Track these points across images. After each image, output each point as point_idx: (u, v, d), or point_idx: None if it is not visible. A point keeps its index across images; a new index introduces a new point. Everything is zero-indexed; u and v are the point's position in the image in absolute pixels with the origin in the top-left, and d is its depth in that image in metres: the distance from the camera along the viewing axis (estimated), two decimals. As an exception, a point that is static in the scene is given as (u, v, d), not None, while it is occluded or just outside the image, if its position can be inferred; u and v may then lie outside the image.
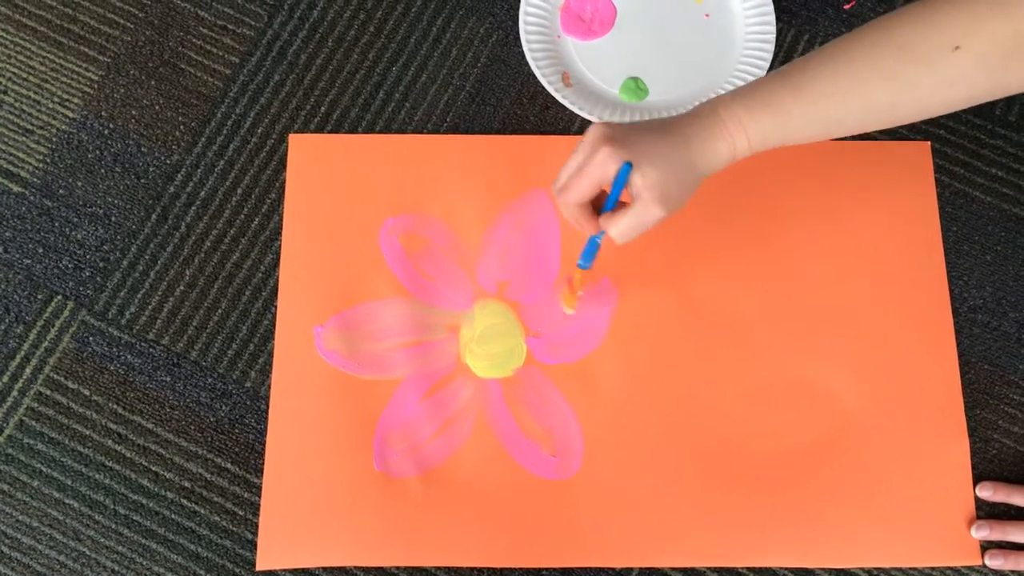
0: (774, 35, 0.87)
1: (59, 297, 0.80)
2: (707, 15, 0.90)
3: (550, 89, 0.85)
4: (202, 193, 0.83)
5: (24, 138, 0.84)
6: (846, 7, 0.90)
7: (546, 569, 0.75)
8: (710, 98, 0.68)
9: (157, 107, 0.85)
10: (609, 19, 0.89)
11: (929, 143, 0.85)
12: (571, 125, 0.86)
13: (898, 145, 0.85)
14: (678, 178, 0.65)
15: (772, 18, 0.88)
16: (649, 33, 0.89)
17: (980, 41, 0.60)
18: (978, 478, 0.77)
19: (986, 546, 0.75)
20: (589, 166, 0.65)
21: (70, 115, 0.85)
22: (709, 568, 0.75)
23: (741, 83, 0.86)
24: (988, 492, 0.76)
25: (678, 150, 0.65)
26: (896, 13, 0.64)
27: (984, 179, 0.85)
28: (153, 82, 0.86)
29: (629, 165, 0.64)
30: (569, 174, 0.67)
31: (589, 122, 0.85)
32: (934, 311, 0.81)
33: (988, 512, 0.76)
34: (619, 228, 0.66)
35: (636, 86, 0.87)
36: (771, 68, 0.87)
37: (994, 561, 0.74)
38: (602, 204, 0.68)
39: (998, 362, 0.80)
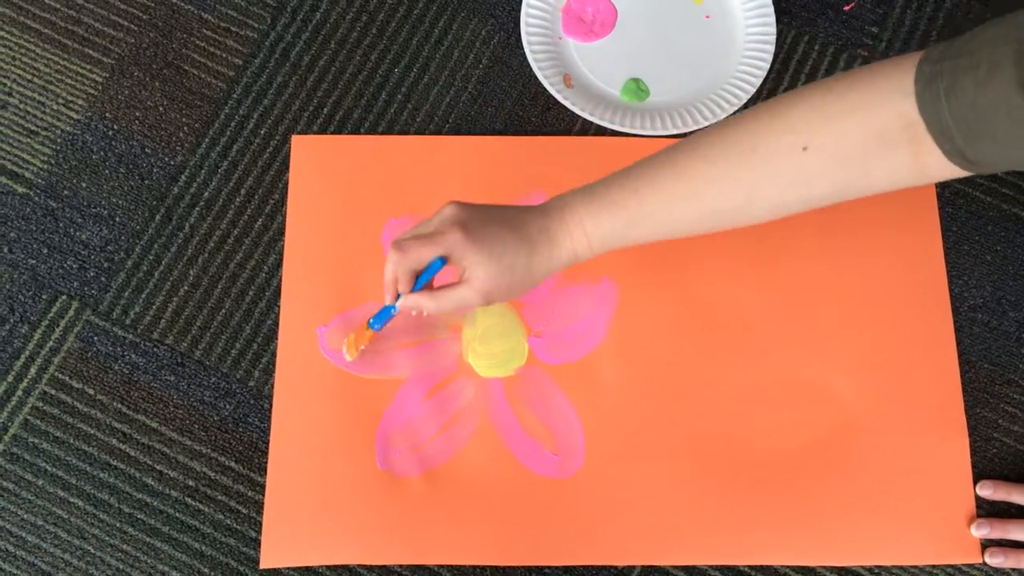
0: (774, 36, 0.88)
1: (64, 297, 0.81)
2: (708, 16, 0.90)
3: (551, 90, 0.86)
4: (206, 194, 0.84)
5: (29, 139, 0.85)
6: (846, 8, 0.90)
7: (548, 567, 0.75)
8: (556, 197, 0.67)
9: (161, 108, 0.86)
10: (610, 20, 0.90)
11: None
12: (572, 126, 0.86)
13: (898, 145, 0.85)
14: (512, 278, 0.65)
15: (772, 19, 0.88)
16: (650, 34, 0.90)
17: (831, 141, 0.58)
18: (978, 477, 0.77)
19: (986, 544, 0.75)
20: (437, 241, 0.65)
21: (74, 116, 0.85)
22: (711, 566, 0.75)
23: (742, 83, 0.86)
24: (988, 490, 0.76)
25: (523, 251, 0.65)
26: (745, 114, 0.63)
27: (984, 179, 0.85)
28: (157, 84, 0.87)
29: (442, 261, 0.65)
30: (413, 237, 0.66)
31: (590, 123, 0.86)
32: (934, 310, 0.81)
33: (988, 510, 0.76)
34: (439, 302, 0.67)
35: (637, 87, 0.87)
36: (771, 70, 0.87)
37: (994, 559, 0.74)
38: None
39: (998, 361, 0.80)
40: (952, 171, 0.57)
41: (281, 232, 0.82)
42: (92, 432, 0.77)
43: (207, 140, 0.85)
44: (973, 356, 0.80)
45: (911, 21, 0.90)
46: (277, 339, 0.79)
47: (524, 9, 0.89)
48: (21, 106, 0.86)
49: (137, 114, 0.86)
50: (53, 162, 0.84)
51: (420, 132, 0.86)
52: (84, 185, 0.84)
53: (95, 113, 0.86)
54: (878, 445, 0.77)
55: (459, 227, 0.64)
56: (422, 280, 0.67)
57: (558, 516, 0.76)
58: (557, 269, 0.67)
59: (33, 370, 0.79)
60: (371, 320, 0.73)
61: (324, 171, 0.84)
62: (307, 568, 0.74)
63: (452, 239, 0.64)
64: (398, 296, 0.69)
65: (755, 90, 0.86)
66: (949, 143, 0.55)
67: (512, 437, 0.77)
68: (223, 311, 0.81)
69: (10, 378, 0.78)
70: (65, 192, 0.83)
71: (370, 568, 0.74)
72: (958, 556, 0.75)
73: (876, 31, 0.90)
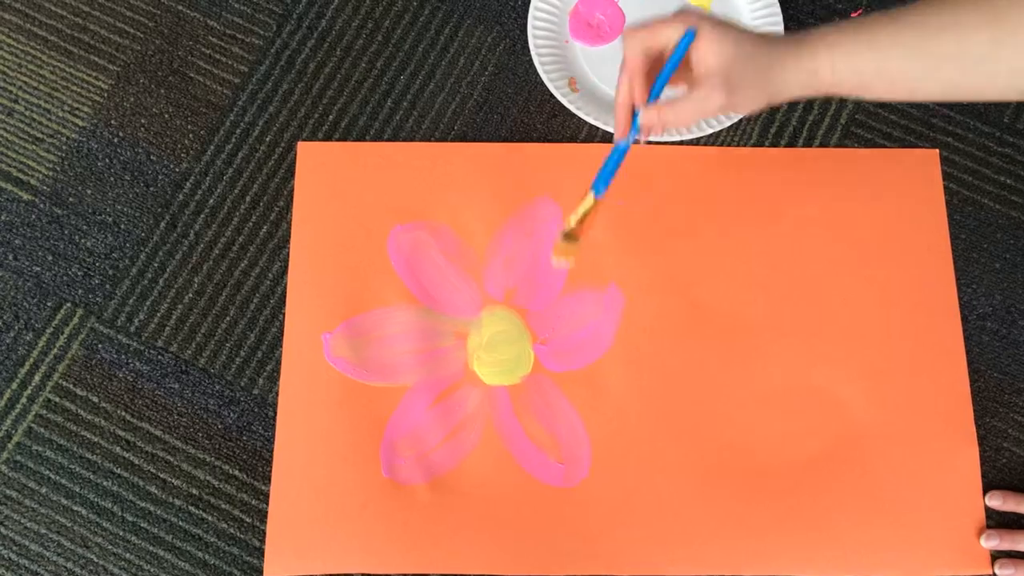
0: (781, 43, 0.87)
1: (68, 304, 0.80)
2: (714, 23, 0.90)
3: (557, 94, 0.85)
4: (211, 201, 0.83)
5: (34, 146, 0.85)
6: (853, 15, 0.90)
7: (554, 577, 0.75)
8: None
9: (166, 116, 0.86)
10: (618, 25, 0.89)
11: (937, 151, 0.85)
12: (578, 133, 0.86)
13: (906, 153, 0.85)
14: (752, 68, 0.62)
15: (780, 26, 0.88)
16: (656, 41, 0.89)
17: None
18: (988, 487, 0.76)
19: (996, 555, 0.75)
20: (672, 17, 0.63)
21: (80, 124, 0.85)
22: (717, 577, 0.75)
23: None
24: (998, 501, 0.75)
25: (760, 42, 0.63)
26: None
27: (993, 186, 0.84)
28: (162, 91, 0.87)
29: (691, 35, 0.61)
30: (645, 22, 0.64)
31: (596, 129, 0.86)
32: (943, 319, 0.80)
33: (998, 521, 0.76)
34: (679, 109, 0.64)
35: (644, 94, 0.87)
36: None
37: (1004, 571, 0.74)
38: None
39: (1008, 370, 0.80)
40: None
41: (286, 239, 0.82)
42: (96, 440, 0.77)
43: (212, 147, 0.85)
44: (982, 365, 0.80)
45: (919, 28, 0.89)
46: (282, 347, 0.79)
47: (531, 12, 0.88)
48: (27, 113, 0.86)
49: (143, 121, 0.86)
50: (58, 169, 0.84)
51: (426, 139, 0.86)
52: (89, 192, 0.83)
53: (100, 120, 0.86)
54: (886, 454, 0.77)
55: (687, 13, 0.62)
56: (666, 74, 0.63)
57: (563, 525, 0.75)
58: (797, 83, 0.64)
59: (37, 377, 0.79)
60: (594, 184, 0.66)
61: (329, 178, 0.84)
62: (311, 577, 0.74)
63: (687, 15, 0.62)
64: (632, 126, 0.65)
65: (762, 97, 0.85)
66: None
67: (517, 445, 0.77)
68: (228, 318, 0.80)
69: (14, 385, 0.78)
70: (70, 199, 0.83)
71: (374, 577, 0.74)
72: (967, 567, 0.74)
73: (884, 38, 0.89)
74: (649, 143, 0.83)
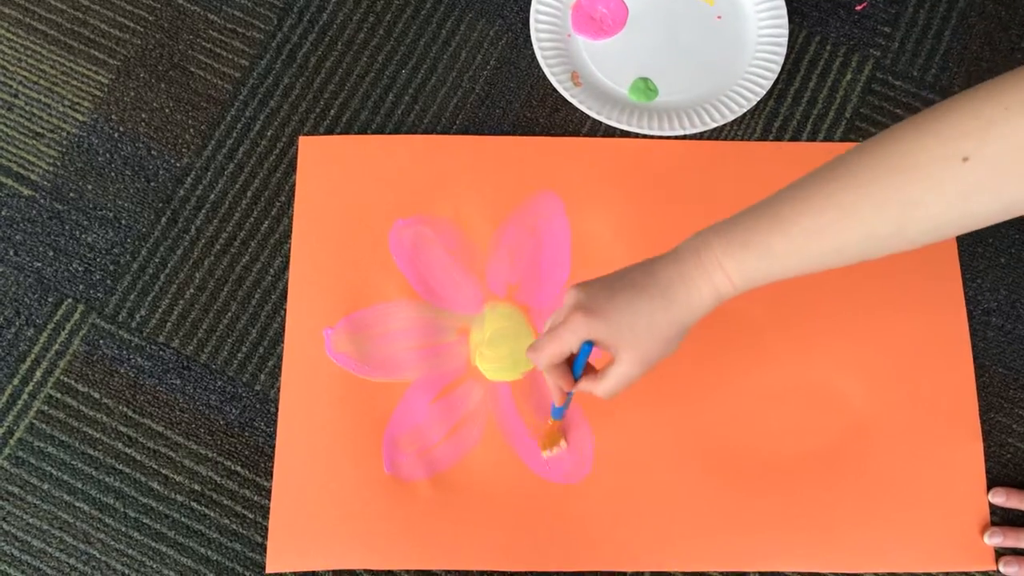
0: (786, 37, 0.87)
1: (69, 300, 0.80)
2: (719, 16, 0.89)
3: (559, 88, 0.85)
4: (212, 196, 0.83)
5: (34, 141, 0.84)
6: (858, 8, 0.89)
7: (556, 572, 0.74)
8: (691, 237, 0.63)
9: (167, 110, 0.86)
10: (621, 19, 0.89)
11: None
12: (580, 127, 0.85)
13: (911, 147, 0.84)
14: (657, 335, 0.62)
15: (784, 20, 0.87)
16: (660, 33, 0.89)
17: (993, 147, 0.52)
18: (992, 483, 0.76)
19: (1001, 552, 0.74)
20: (562, 331, 0.63)
21: (80, 118, 0.85)
22: (720, 572, 0.74)
23: (753, 84, 0.86)
24: (1001, 498, 0.75)
25: (658, 308, 0.62)
26: (891, 130, 0.57)
27: (998, 181, 0.84)
28: (163, 85, 0.86)
29: (589, 345, 0.63)
30: (542, 336, 0.65)
31: (599, 123, 0.85)
32: (949, 314, 0.80)
33: (1002, 517, 0.75)
34: (604, 388, 0.65)
35: (646, 86, 0.87)
36: (782, 71, 0.87)
37: (1009, 568, 0.73)
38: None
39: (1013, 366, 0.79)
40: None
41: (288, 234, 0.82)
42: (97, 436, 0.77)
43: (213, 142, 0.85)
44: (987, 360, 0.79)
45: (924, 21, 0.89)
46: (283, 342, 0.79)
47: (533, 5, 0.88)
48: (27, 108, 0.85)
49: (143, 116, 0.85)
50: (59, 164, 0.84)
51: (428, 133, 0.85)
52: (90, 187, 0.83)
53: (101, 115, 0.85)
54: (891, 450, 0.77)
55: (580, 311, 0.62)
56: (578, 368, 0.66)
57: (566, 521, 0.75)
58: (702, 312, 0.62)
59: (38, 373, 0.78)
60: (553, 413, 0.73)
61: (331, 172, 0.84)
62: (313, 573, 0.74)
63: (577, 324, 0.62)
64: (568, 397, 0.69)
65: (765, 92, 0.85)
66: None
67: (519, 441, 0.77)
68: (229, 314, 0.80)
69: (15, 381, 0.78)
70: (71, 194, 0.83)
71: (376, 573, 0.74)
72: (971, 564, 0.74)
73: (888, 31, 0.89)
74: (649, 137, 0.82)
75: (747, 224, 0.60)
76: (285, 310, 0.80)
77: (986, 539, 0.74)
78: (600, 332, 0.62)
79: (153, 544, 0.75)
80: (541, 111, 0.86)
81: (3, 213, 0.83)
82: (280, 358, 0.79)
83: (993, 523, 0.75)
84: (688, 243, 0.63)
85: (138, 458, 0.77)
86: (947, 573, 0.74)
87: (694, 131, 0.84)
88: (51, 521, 0.75)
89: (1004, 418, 0.78)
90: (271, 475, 0.76)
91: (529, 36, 0.88)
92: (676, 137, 0.85)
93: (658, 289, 0.62)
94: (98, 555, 0.74)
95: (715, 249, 0.61)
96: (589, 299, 0.62)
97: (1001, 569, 0.74)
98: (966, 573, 0.74)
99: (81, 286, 0.81)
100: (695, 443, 0.77)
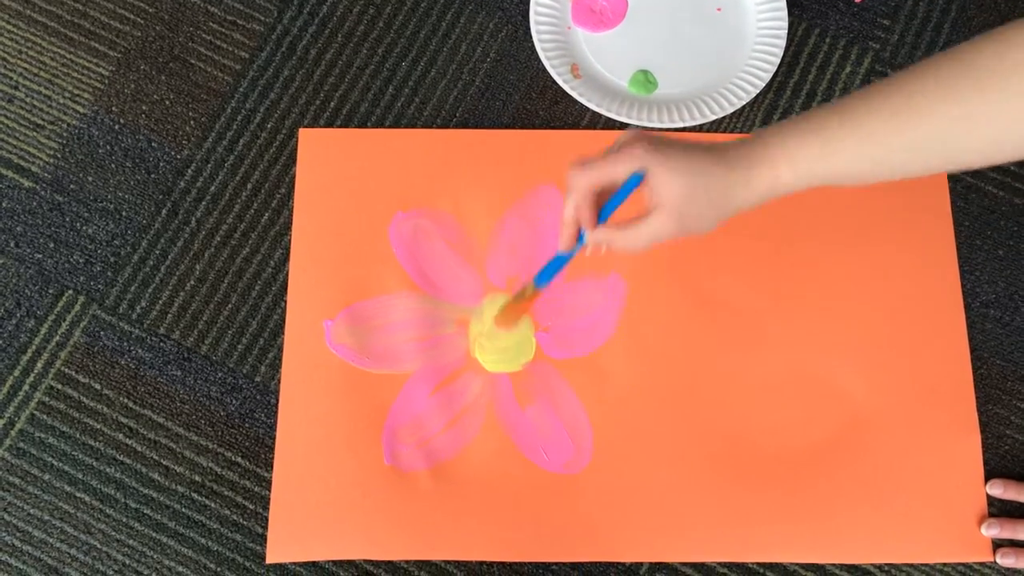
0: (786, 29, 0.87)
1: (70, 292, 0.80)
2: (719, 8, 0.89)
3: (559, 80, 0.85)
4: (212, 188, 0.83)
5: (35, 133, 0.84)
6: (857, 0, 0.89)
7: (556, 563, 0.75)
8: (762, 128, 0.62)
9: (167, 102, 0.86)
10: (620, 11, 0.89)
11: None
12: (580, 120, 0.86)
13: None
14: (706, 199, 0.60)
15: (784, 12, 0.87)
16: (660, 26, 0.89)
17: None
18: (989, 475, 0.76)
19: (998, 544, 0.75)
20: (614, 156, 0.61)
21: (81, 110, 0.85)
22: (719, 563, 0.75)
23: (752, 77, 0.86)
24: (999, 489, 0.75)
25: (716, 169, 0.60)
26: (968, 41, 0.56)
27: (996, 173, 0.84)
28: (163, 77, 0.86)
29: (639, 177, 0.60)
30: (594, 159, 0.63)
31: (598, 116, 0.85)
32: (946, 306, 0.80)
33: (999, 509, 0.76)
34: (630, 237, 0.63)
35: (645, 79, 0.87)
36: (781, 63, 0.87)
37: (1006, 560, 0.74)
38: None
39: (1011, 357, 0.80)
40: None
41: (288, 226, 0.82)
42: (98, 427, 0.77)
43: (214, 134, 0.85)
44: (985, 352, 0.80)
45: (923, 13, 0.89)
46: (283, 334, 0.79)
47: (533, -3, 0.88)
48: (27, 100, 0.85)
49: (143, 108, 0.85)
50: (59, 156, 0.84)
51: (428, 126, 0.85)
52: (90, 179, 0.83)
53: (101, 107, 0.85)
54: (889, 442, 0.77)
55: (646, 140, 0.60)
56: (614, 204, 0.62)
57: (566, 512, 0.75)
58: (757, 198, 0.61)
59: (39, 365, 0.79)
60: (536, 277, 0.68)
61: (331, 165, 0.84)
62: (313, 563, 0.74)
63: (640, 151, 0.59)
64: (579, 237, 0.64)
65: (764, 84, 0.85)
66: None
67: (519, 433, 0.77)
68: (229, 306, 0.80)
69: (16, 373, 0.78)
70: (71, 186, 0.83)
71: (376, 564, 0.74)
72: (969, 555, 0.74)
73: (888, 23, 0.89)
74: (649, 129, 0.83)
75: (817, 117, 0.60)
76: (285, 302, 0.80)
77: (984, 531, 0.74)
78: (655, 169, 0.60)
79: (154, 535, 0.75)
80: (541, 104, 0.86)
81: (4, 205, 0.83)
82: (280, 350, 0.79)
83: (991, 514, 0.75)
84: (755, 133, 0.62)
85: (139, 449, 0.77)
86: (945, 564, 0.75)
87: (694, 123, 0.84)
88: (52, 512, 0.75)
89: (1002, 410, 0.78)
90: (271, 466, 0.76)
91: (529, 28, 0.88)
92: (676, 129, 0.85)
93: (721, 155, 0.60)
94: (99, 545, 0.75)
95: (781, 133, 0.60)
96: (656, 138, 0.61)
97: (999, 560, 0.74)
98: (963, 564, 0.75)
99: (82, 278, 0.81)
100: (694, 434, 0.77)
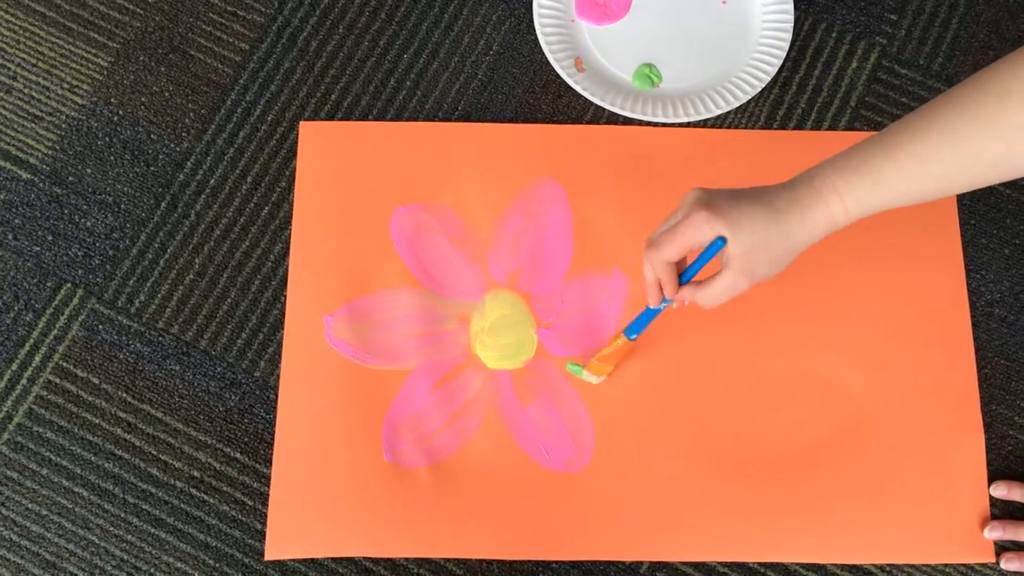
0: (792, 23, 0.86)
1: (68, 285, 0.80)
2: (724, 2, 0.88)
3: (562, 73, 0.84)
4: (212, 181, 0.83)
5: (33, 125, 0.84)
6: (865, -5, 0.89)
7: (556, 562, 0.74)
8: (804, 171, 0.65)
9: (167, 94, 0.85)
10: (625, 4, 0.88)
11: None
12: (583, 114, 0.85)
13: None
14: (769, 250, 0.64)
15: (790, 6, 0.86)
16: (665, 19, 0.88)
17: None
18: (993, 475, 0.76)
19: (1001, 546, 0.74)
20: (684, 227, 0.64)
21: (79, 102, 0.85)
22: (720, 563, 0.74)
23: (757, 71, 0.85)
24: (1003, 491, 0.75)
25: (773, 220, 0.63)
26: (994, 64, 0.59)
27: (1004, 171, 0.83)
28: (163, 69, 0.86)
29: (723, 240, 0.63)
30: (662, 232, 0.66)
31: (602, 110, 0.84)
32: (951, 305, 0.80)
33: (1002, 510, 0.75)
34: (709, 295, 0.67)
35: (649, 73, 0.86)
36: (787, 58, 0.86)
37: (1010, 564, 0.73)
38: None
39: (1016, 357, 0.79)
40: None
41: (288, 220, 0.82)
42: (97, 421, 0.77)
43: (213, 126, 0.84)
44: (990, 352, 0.79)
45: (931, 9, 0.88)
46: (283, 329, 0.79)
47: (537, -10, 0.87)
48: (25, 91, 0.85)
49: (143, 99, 0.85)
50: (58, 148, 0.83)
51: (429, 119, 0.85)
52: (89, 171, 0.83)
53: (100, 98, 0.85)
54: (892, 442, 0.76)
55: (704, 207, 0.64)
56: (698, 265, 0.67)
57: (566, 511, 0.75)
58: (815, 236, 0.65)
59: (37, 358, 0.78)
60: (627, 329, 0.73)
61: (332, 158, 0.83)
62: (312, 560, 0.74)
63: (700, 220, 0.63)
64: (662, 299, 0.69)
65: (770, 78, 0.84)
66: None
67: (519, 430, 0.77)
68: (229, 300, 0.80)
69: (14, 366, 0.78)
70: (70, 178, 0.83)
71: (375, 560, 0.74)
72: (971, 557, 0.74)
73: (895, 18, 0.88)
74: (652, 124, 0.82)
75: (859, 152, 0.63)
76: (285, 296, 0.79)
77: (986, 533, 0.74)
78: (720, 232, 0.63)
79: (152, 530, 0.75)
80: (544, 97, 0.85)
81: (2, 197, 0.82)
82: (280, 345, 0.78)
83: (994, 516, 0.75)
84: (801, 175, 0.65)
85: (137, 444, 0.76)
86: (946, 565, 0.74)
87: (698, 118, 0.83)
88: (50, 507, 0.75)
89: (1006, 410, 0.78)
90: (270, 462, 0.76)
91: (532, 21, 0.87)
92: (680, 124, 0.84)
93: (774, 206, 0.64)
94: (97, 540, 0.74)
95: (829, 176, 0.63)
96: (711, 199, 0.64)
97: (1003, 564, 0.73)
98: (966, 566, 0.74)
99: (80, 271, 0.80)
100: (696, 433, 0.77)
